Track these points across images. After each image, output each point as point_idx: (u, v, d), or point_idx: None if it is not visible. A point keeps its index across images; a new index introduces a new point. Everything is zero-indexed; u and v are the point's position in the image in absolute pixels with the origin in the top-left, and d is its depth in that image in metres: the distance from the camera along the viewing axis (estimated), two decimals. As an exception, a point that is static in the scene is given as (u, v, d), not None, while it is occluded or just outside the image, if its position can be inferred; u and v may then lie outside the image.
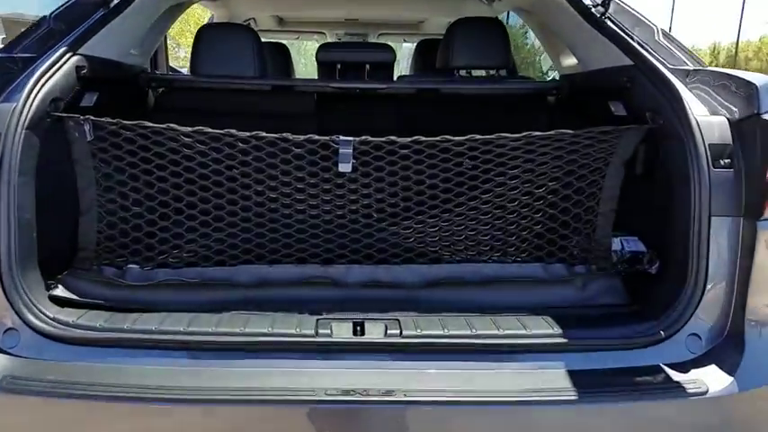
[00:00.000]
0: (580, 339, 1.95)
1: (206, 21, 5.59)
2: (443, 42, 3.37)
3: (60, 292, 2.09)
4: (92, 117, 2.16)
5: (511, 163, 2.24)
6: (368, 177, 2.25)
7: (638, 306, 2.15)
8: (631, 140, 2.24)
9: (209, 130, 2.16)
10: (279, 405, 1.76)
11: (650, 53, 2.32)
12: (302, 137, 2.16)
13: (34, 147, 2.01)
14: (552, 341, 1.93)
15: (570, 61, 3.21)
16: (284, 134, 2.16)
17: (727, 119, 2.01)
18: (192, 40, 3.17)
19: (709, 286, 1.96)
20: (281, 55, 4.87)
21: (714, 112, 2.05)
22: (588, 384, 1.83)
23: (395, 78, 3.78)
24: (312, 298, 2.16)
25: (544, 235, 2.34)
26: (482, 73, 3.65)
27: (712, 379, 1.86)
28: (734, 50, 18.91)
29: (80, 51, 2.28)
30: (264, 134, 2.17)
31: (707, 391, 1.83)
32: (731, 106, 2.02)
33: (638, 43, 2.38)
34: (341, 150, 2.14)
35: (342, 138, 2.15)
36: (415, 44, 5.21)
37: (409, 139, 2.17)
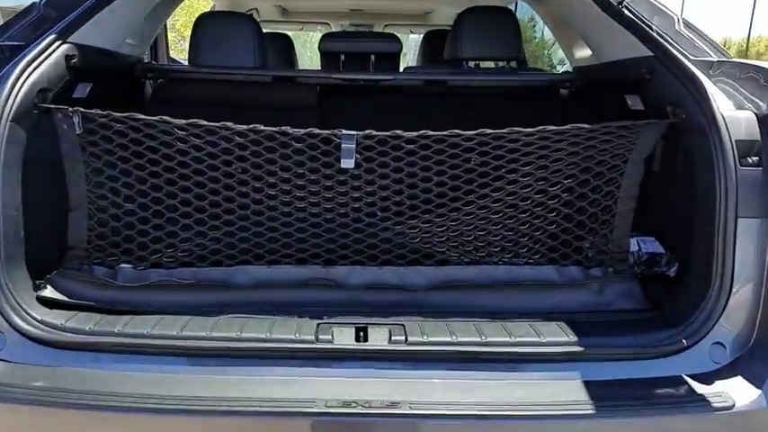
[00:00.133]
0: (597, 348, 1.86)
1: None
2: (452, 32, 3.28)
3: (49, 293, 2.02)
4: (81, 109, 2.08)
5: (523, 159, 2.15)
6: (372, 174, 2.16)
7: (657, 312, 2.06)
8: (652, 136, 2.14)
9: (204, 122, 2.07)
10: (275, 417, 1.66)
11: (671, 43, 2.23)
12: (302, 130, 2.08)
13: (20, 140, 1.94)
14: (567, 350, 1.85)
15: (584, 53, 3.12)
16: (283, 128, 2.08)
17: (755, 113, 1.92)
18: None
19: (734, 292, 1.87)
20: (284, 46, 4.79)
21: (740, 107, 1.96)
22: (606, 397, 1.74)
23: (401, 70, 3.70)
24: (313, 301, 2.08)
25: (558, 236, 2.24)
26: (491, 65, 3.56)
27: (738, 392, 1.77)
28: (745, 46, 18.73)
29: (71, 39, 2.20)
30: (262, 127, 2.08)
31: (733, 406, 1.73)
32: (758, 100, 1.93)
33: (658, 33, 2.29)
34: (343, 145, 2.06)
35: (344, 132, 2.07)
36: (422, 35, 5.12)
37: (416, 134, 2.09)
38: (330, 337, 1.85)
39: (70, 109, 2.06)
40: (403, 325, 1.92)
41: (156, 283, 2.11)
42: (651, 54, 2.24)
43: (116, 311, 1.98)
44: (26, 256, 1.96)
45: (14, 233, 1.91)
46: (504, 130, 2.07)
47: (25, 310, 1.87)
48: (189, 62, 3.05)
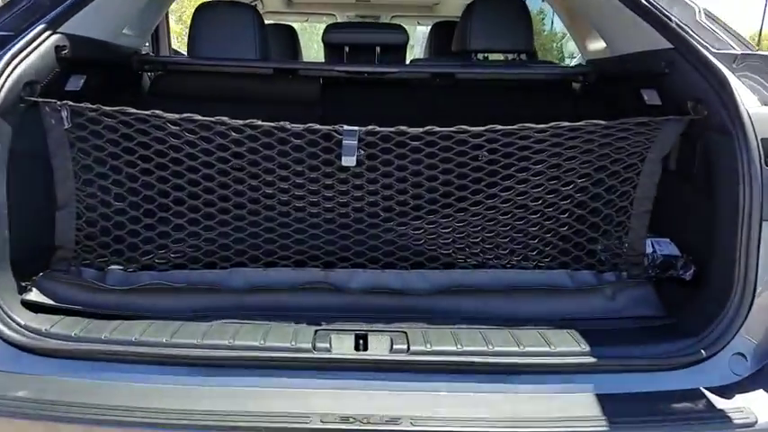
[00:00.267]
0: (610, 359, 1.78)
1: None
2: (460, 23, 3.22)
3: (34, 296, 1.96)
4: (70, 102, 2.01)
5: (535, 157, 2.07)
6: (374, 172, 2.09)
7: (673, 319, 1.98)
8: (671, 133, 2.05)
9: (199, 117, 2.01)
10: None
11: (691, 35, 2.12)
12: (301, 126, 2.01)
13: (5, 135, 1.88)
14: (579, 361, 1.76)
15: (597, 45, 3.04)
16: (282, 123, 2.02)
17: None
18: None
19: (757, 299, 1.79)
20: (288, 37, 4.73)
21: (766, 103, 1.88)
22: (620, 412, 1.65)
23: (407, 62, 3.65)
24: (311, 305, 2.02)
25: (570, 238, 2.17)
26: (501, 57, 3.49)
27: (761, 406, 1.69)
28: (757, 39, 18.53)
29: (62, 29, 2.13)
30: (260, 123, 2.02)
31: (755, 422, 1.65)
32: None
33: (677, 24, 2.18)
34: (344, 142, 1.99)
35: (346, 127, 2.00)
36: (430, 27, 5.04)
37: (421, 130, 2.01)
38: (328, 345, 1.78)
39: (58, 102, 2.00)
40: (405, 332, 1.85)
41: (147, 286, 2.05)
42: (671, 46, 2.15)
43: (104, 316, 1.92)
44: (11, 256, 1.91)
45: None
46: (515, 127, 2.00)
47: (8, 315, 1.81)
48: (188, 54, 3.00)
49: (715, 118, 1.91)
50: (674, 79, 2.14)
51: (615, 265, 2.17)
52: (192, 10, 3.10)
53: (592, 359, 1.76)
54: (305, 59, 5.38)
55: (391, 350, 1.77)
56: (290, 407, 1.62)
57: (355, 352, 1.77)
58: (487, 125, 2.00)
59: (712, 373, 1.77)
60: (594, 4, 2.71)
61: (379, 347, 1.79)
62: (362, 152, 2.03)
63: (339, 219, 2.15)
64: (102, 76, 2.55)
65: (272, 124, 2.01)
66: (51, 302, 1.95)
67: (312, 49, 8.77)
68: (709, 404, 1.70)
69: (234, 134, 2.04)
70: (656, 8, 2.22)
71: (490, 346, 1.78)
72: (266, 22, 4.67)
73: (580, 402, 1.68)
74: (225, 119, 2.00)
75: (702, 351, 1.77)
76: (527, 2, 3.22)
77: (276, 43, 4.16)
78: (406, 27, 3.67)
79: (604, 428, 1.60)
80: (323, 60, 3.80)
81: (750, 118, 1.82)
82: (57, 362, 1.75)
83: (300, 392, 1.68)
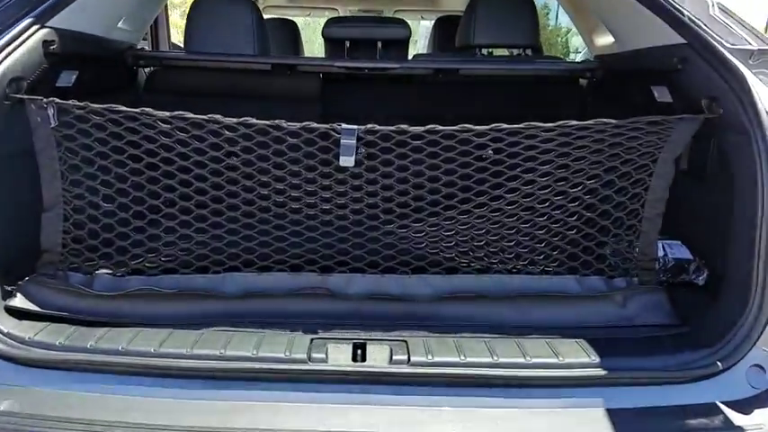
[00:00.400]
0: (622, 371, 1.70)
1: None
2: (464, 18, 3.18)
3: (19, 302, 1.89)
4: (56, 99, 1.95)
5: (542, 157, 2.01)
6: (374, 172, 2.03)
7: (686, 328, 1.90)
8: (685, 133, 1.97)
9: (190, 115, 1.94)
10: None
11: (705, 30, 2.05)
12: (298, 125, 1.95)
13: None
14: (589, 373, 1.69)
15: (606, 40, 2.99)
16: (277, 121, 1.95)
17: None
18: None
19: None
20: (289, 32, 4.69)
21: None
22: (633, 428, 1.59)
23: (410, 58, 3.61)
24: (307, 312, 1.95)
25: (579, 242, 2.10)
26: (505, 53, 3.49)
27: None
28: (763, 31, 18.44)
29: (50, 24, 2.08)
30: (254, 121, 1.95)
31: None
32: None
33: (690, 19, 2.11)
34: (342, 141, 1.92)
35: (344, 126, 1.93)
36: (434, 21, 5.00)
37: (423, 129, 1.94)
38: (324, 355, 1.71)
39: (44, 100, 1.94)
40: (405, 341, 1.78)
41: (136, 291, 1.98)
42: (683, 41, 2.07)
43: (91, 323, 1.86)
44: None
45: None
46: (521, 126, 1.93)
47: None
48: (185, 48, 2.96)
49: (731, 117, 1.84)
50: (687, 76, 2.07)
51: (626, 271, 2.10)
52: (195, 4, 3.05)
53: (602, 371, 1.68)
54: (308, 55, 5.35)
55: (391, 361, 1.71)
56: (284, 422, 1.55)
57: (353, 363, 1.70)
58: (492, 123, 1.93)
59: (729, 387, 1.69)
60: (603, -2, 2.66)
61: (378, 358, 1.72)
62: (362, 152, 1.97)
63: (337, 221, 2.09)
64: (96, 72, 2.50)
65: (266, 123, 1.94)
66: (37, 309, 1.89)
67: (315, 45, 8.70)
68: (726, 420, 1.62)
69: (227, 133, 1.97)
70: (668, 2, 2.16)
71: (495, 357, 1.71)
72: (267, 16, 4.63)
73: (590, 418, 1.61)
74: (218, 117, 1.94)
75: (718, 363, 1.69)
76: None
77: (277, 38, 4.14)
78: (409, 22, 3.64)
79: None
80: (323, 56, 3.77)
81: None
82: (40, 372, 1.69)
83: (294, 407, 1.61)
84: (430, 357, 1.70)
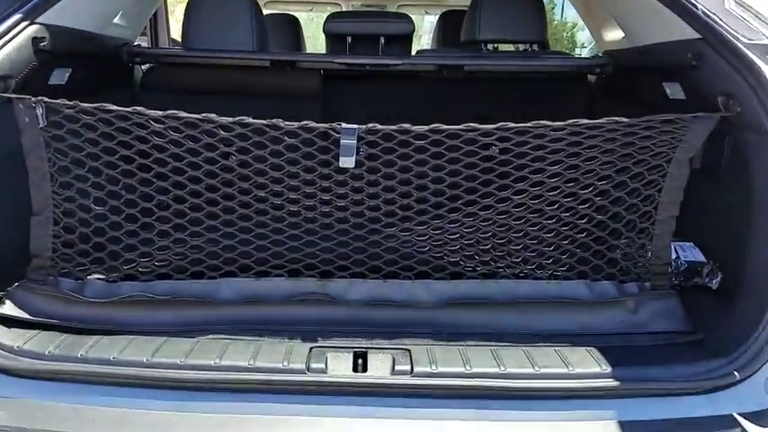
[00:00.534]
0: (635, 382, 1.64)
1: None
2: (469, 12, 3.12)
3: (7, 309, 1.85)
4: (45, 99, 1.90)
5: (551, 157, 1.94)
6: (375, 174, 1.97)
7: (701, 335, 1.84)
8: (701, 131, 1.90)
9: (184, 114, 1.89)
10: None
11: (720, 25, 1.99)
12: (296, 124, 1.89)
13: None
14: (601, 384, 1.63)
15: (615, 35, 2.93)
16: (275, 120, 1.89)
17: None
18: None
19: None
20: (290, 28, 4.65)
21: None
22: None
23: (413, 53, 3.56)
24: (306, 319, 1.90)
25: (589, 246, 2.04)
26: (511, 48, 3.42)
27: None
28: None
29: (40, 20, 2.04)
30: (250, 120, 1.89)
31: None
32: None
33: (704, 12, 2.05)
34: (342, 141, 1.86)
35: (344, 125, 1.87)
36: (438, 16, 4.97)
37: (426, 128, 1.88)
38: (323, 365, 1.66)
39: (32, 99, 1.88)
40: (408, 350, 1.73)
41: (129, 298, 1.93)
42: (698, 36, 2.02)
43: (83, 331, 1.81)
44: None
45: None
46: (530, 125, 1.87)
47: None
48: (182, 45, 2.94)
49: (749, 115, 1.78)
50: (702, 72, 2.01)
51: (638, 275, 2.04)
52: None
53: (614, 382, 1.62)
54: (311, 52, 5.31)
55: (393, 372, 1.65)
56: None
57: (353, 374, 1.65)
58: (498, 121, 1.88)
59: (747, 398, 1.63)
60: (613, -8, 2.61)
61: (379, 368, 1.67)
62: (364, 151, 1.92)
63: (337, 224, 2.03)
64: (90, 70, 2.46)
65: (263, 122, 1.89)
66: (26, 316, 1.84)
67: (319, 41, 8.67)
68: None
69: (223, 133, 1.92)
70: None
71: (502, 368, 1.65)
72: (268, 11, 4.58)
73: (602, 431, 1.55)
74: (213, 116, 1.88)
75: (735, 373, 1.63)
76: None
77: (277, 34, 4.11)
78: (413, 17, 3.60)
79: None
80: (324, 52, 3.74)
81: None
82: (29, 383, 1.64)
83: (292, 420, 1.56)
84: (434, 368, 1.64)
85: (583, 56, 5.31)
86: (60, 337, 1.76)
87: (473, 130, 1.88)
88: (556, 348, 1.74)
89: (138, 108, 1.88)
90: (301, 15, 5.29)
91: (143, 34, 4.07)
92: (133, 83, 3.01)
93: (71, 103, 1.89)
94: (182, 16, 2.90)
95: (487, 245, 2.05)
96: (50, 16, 2.07)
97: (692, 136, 1.89)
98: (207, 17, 2.79)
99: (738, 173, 1.86)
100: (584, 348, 1.75)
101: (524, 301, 1.97)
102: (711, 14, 2.02)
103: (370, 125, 1.88)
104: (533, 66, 3.00)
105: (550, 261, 2.06)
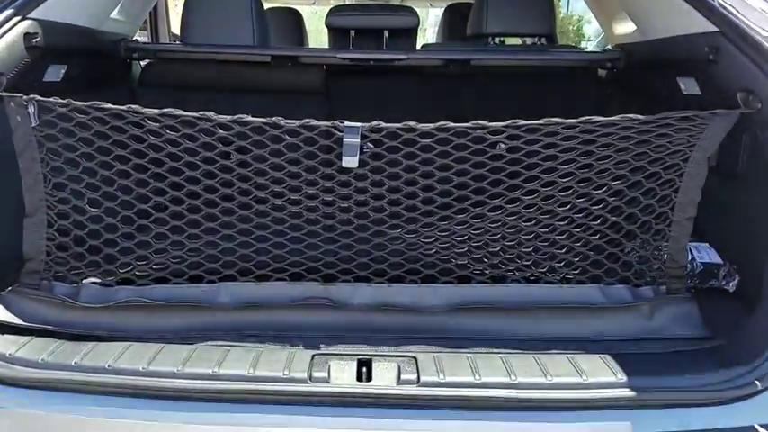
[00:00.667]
0: (652, 392, 1.57)
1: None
2: (476, 4, 3.10)
3: (0, 315, 1.80)
4: (37, 97, 1.85)
5: (563, 156, 1.89)
6: (380, 174, 1.93)
7: (720, 341, 1.78)
8: (719, 129, 1.84)
9: (181, 112, 1.84)
10: None
11: (738, 17, 1.94)
12: (297, 122, 1.84)
13: None
14: (616, 394, 1.56)
15: (626, 28, 2.89)
16: (275, 119, 1.84)
17: None
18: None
19: None
20: (292, 22, 4.64)
21: None
22: None
23: (418, 47, 3.56)
24: (308, 324, 1.85)
25: (603, 248, 1.98)
26: (519, 42, 3.45)
27: None
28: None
29: (33, 15, 2.01)
30: (250, 118, 1.84)
31: None
32: None
33: (721, 4, 2.00)
34: (345, 140, 1.81)
35: (347, 123, 1.82)
36: (443, 9, 4.91)
37: (432, 126, 1.83)
38: (326, 374, 1.60)
39: (24, 97, 1.84)
40: (415, 357, 1.67)
41: (125, 303, 1.88)
42: (716, 30, 1.97)
43: (77, 336, 1.76)
44: None
45: None
46: (540, 122, 1.82)
47: None
48: (181, 40, 2.92)
49: None
50: (720, 67, 1.95)
51: (653, 279, 1.98)
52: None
53: (630, 392, 1.56)
54: (314, 47, 5.29)
55: (399, 381, 1.59)
56: None
57: (357, 383, 1.59)
58: (507, 118, 1.83)
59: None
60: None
61: (384, 377, 1.61)
62: (368, 149, 1.87)
63: (340, 226, 1.99)
64: (86, 66, 2.42)
65: (263, 120, 1.84)
66: (19, 321, 1.79)
67: (322, 35, 8.65)
68: None
69: (221, 131, 1.87)
70: None
71: (513, 377, 1.58)
72: (270, 5, 4.53)
73: None
74: (210, 114, 1.83)
75: (757, 382, 1.57)
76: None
77: (279, 29, 4.11)
78: (418, 10, 3.56)
79: None
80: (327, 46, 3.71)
81: None
82: (21, 392, 1.59)
83: None
84: (441, 377, 1.58)
85: (590, 50, 5.26)
86: (54, 343, 1.72)
87: (482, 128, 1.83)
88: (568, 356, 1.68)
89: (134, 106, 1.84)
90: (303, 9, 5.23)
91: (143, 29, 4.04)
92: (131, 79, 2.98)
93: (64, 101, 1.85)
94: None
95: (497, 247, 2.00)
96: (44, 11, 2.03)
97: (710, 133, 1.83)
98: (206, 11, 2.76)
99: (757, 171, 1.82)
100: (597, 355, 1.69)
101: (535, 306, 1.91)
102: (729, 6, 1.98)
103: (374, 123, 1.83)
104: (542, 60, 2.95)
105: (562, 264, 2.01)
